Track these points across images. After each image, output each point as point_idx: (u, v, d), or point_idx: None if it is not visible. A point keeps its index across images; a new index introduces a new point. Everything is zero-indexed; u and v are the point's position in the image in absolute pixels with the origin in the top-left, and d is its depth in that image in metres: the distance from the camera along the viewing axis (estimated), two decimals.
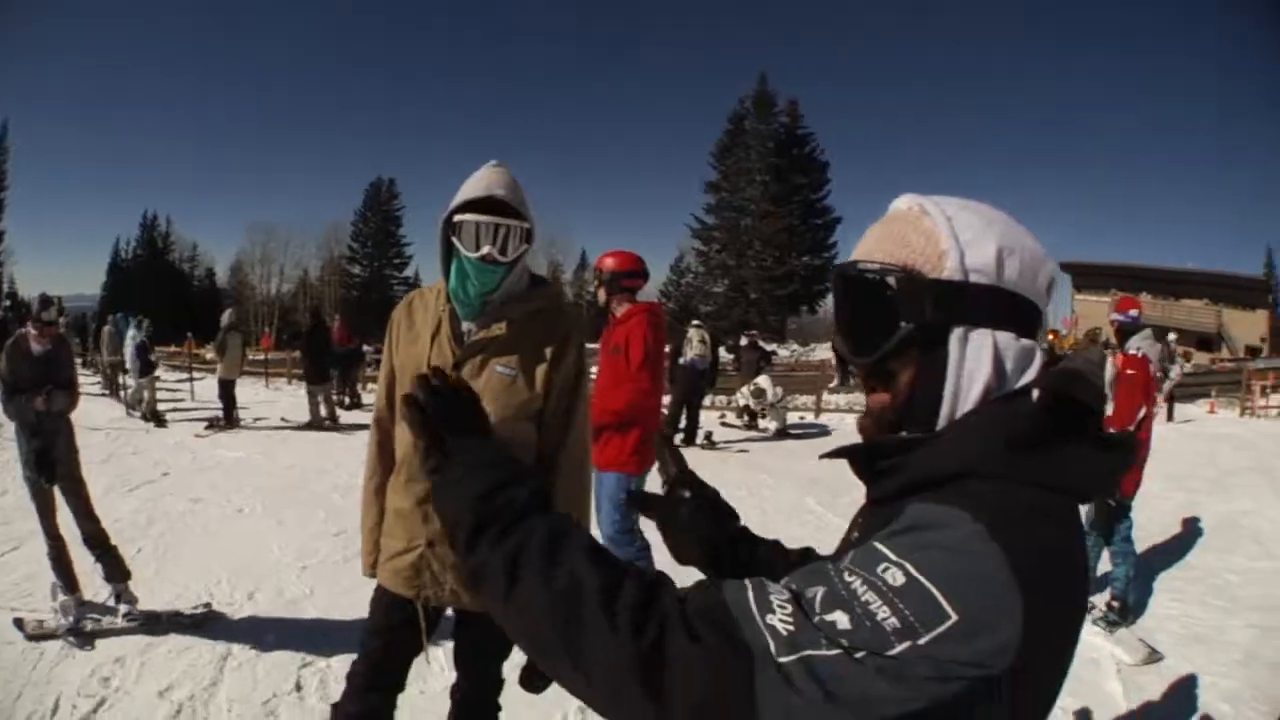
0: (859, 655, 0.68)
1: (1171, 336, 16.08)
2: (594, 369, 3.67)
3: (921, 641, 0.67)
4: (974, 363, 0.84)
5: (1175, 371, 13.58)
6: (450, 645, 2.27)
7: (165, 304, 42.42)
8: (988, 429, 0.81)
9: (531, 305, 2.05)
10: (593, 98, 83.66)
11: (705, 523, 1.20)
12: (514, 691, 2.21)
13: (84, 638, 3.66)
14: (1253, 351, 32.49)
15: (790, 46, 77.59)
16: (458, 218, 1.94)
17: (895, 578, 0.70)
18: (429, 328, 2.06)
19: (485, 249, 1.91)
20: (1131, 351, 4.65)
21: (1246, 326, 35.56)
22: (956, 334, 0.84)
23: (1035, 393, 0.86)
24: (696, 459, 9.48)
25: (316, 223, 57.56)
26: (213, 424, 11.22)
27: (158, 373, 12.90)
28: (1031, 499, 0.77)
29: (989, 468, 0.78)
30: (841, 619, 0.69)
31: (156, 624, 3.85)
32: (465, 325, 2.04)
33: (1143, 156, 73.64)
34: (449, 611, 2.16)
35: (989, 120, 75.91)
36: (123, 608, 3.85)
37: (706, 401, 11.99)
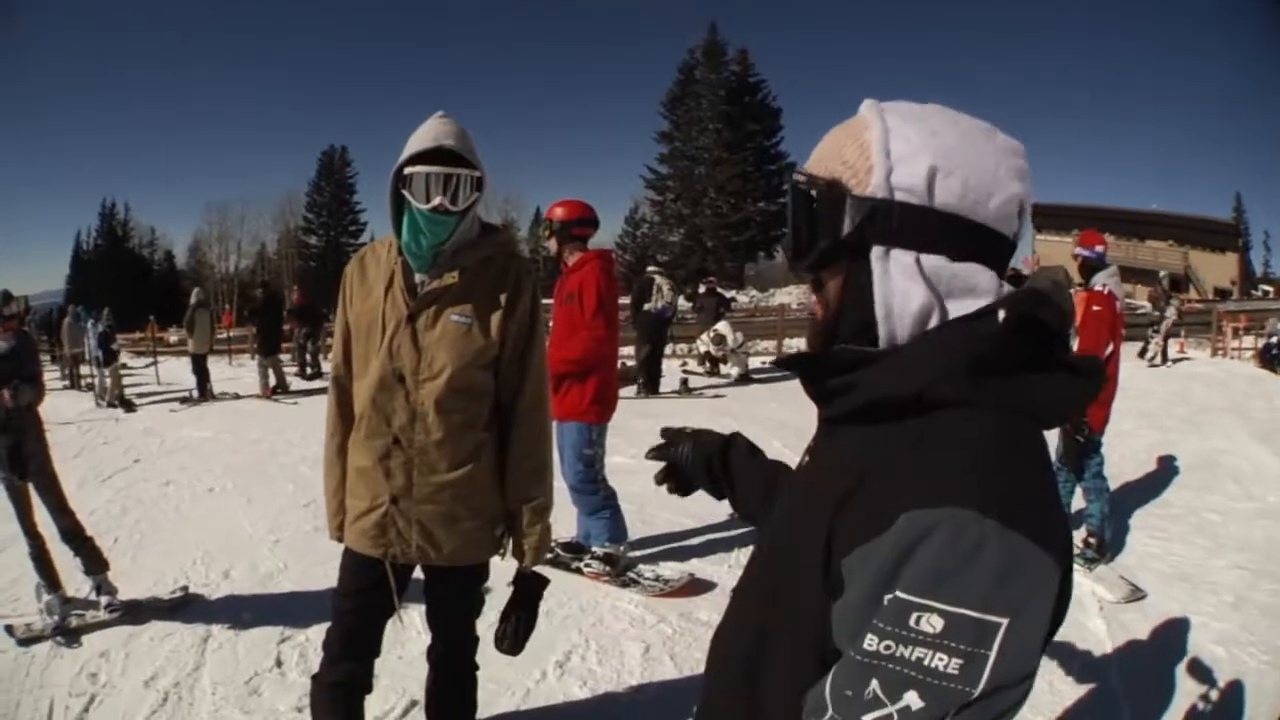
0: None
1: (1162, 274, 16.20)
2: (550, 322, 3.64)
3: (990, 661, 0.66)
4: (899, 283, 0.80)
5: (1171, 311, 13.73)
6: (424, 607, 2.25)
7: (128, 291, 41.53)
8: (948, 350, 0.77)
9: (483, 253, 2.02)
10: (541, 53, 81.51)
11: (701, 453, 1.32)
12: (492, 650, 2.20)
13: (70, 635, 3.62)
14: (1222, 294, 32.69)
15: None
16: (408, 170, 1.92)
17: (933, 624, 0.66)
18: (382, 281, 2.03)
19: (436, 199, 1.89)
20: (1097, 288, 4.49)
21: (1216, 269, 35.49)
22: (876, 253, 0.81)
23: (1001, 314, 0.82)
24: (666, 405, 9.68)
25: (271, 197, 55.51)
26: (187, 399, 11.47)
27: (122, 359, 12.96)
28: (1003, 428, 0.75)
29: (950, 390, 0.75)
30: (912, 699, 0.67)
31: (137, 612, 3.81)
32: (418, 277, 2.00)
33: (1108, 98, 73.01)
34: (418, 571, 2.13)
35: (944, 62, 74.39)
36: (104, 599, 3.80)
37: (667, 350, 12.15)
